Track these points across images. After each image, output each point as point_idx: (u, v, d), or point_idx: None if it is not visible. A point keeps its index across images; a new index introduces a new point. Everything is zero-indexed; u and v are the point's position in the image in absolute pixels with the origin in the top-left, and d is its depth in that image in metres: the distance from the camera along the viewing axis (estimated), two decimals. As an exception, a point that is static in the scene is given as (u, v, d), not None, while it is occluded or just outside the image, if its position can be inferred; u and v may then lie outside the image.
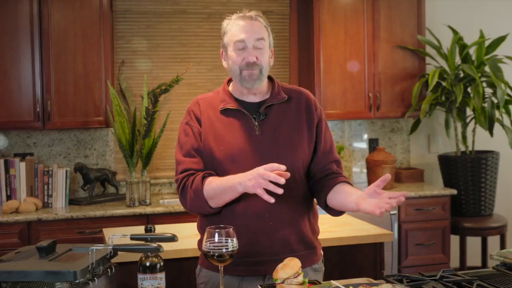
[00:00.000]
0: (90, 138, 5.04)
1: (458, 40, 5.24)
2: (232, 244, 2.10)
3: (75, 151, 5.01)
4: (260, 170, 2.23)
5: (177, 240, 2.14)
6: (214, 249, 2.09)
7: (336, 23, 5.15)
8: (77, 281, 1.89)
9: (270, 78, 2.64)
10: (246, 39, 2.48)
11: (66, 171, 4.73)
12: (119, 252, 2.60)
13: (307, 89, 4.97)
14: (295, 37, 5.47)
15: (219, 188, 2.38)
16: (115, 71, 5.04)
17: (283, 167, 2.23)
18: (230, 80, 2.66)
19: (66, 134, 4.98)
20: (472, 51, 5.40)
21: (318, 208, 2.68)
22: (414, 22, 5.32)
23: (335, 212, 2.57)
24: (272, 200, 2.22)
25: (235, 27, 2.51)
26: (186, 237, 3.37)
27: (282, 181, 2.20)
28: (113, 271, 2.10)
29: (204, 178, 2.43)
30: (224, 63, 2.60)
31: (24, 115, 4.59)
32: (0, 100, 4.54)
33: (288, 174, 2.25)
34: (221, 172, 2.46)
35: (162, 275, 2.09)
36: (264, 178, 2.20)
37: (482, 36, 5.26)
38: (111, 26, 4.92)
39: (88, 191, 4.84)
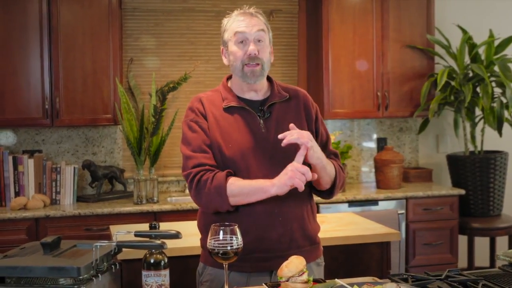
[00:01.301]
0: (98, 135, 5.06)
1: (467, 40, 5.22)
2: (237, 241, 2.10)
3: (83, 148, 5.03)
4: (295, 164, 2.34)
5: (181, 237, 2.14)
6: (219, 247, 2.09)
7: (345, 22, 5.14)
8: (80, 277, 1.90)
9: (268, 77, 2.65)
10: (247, 31, 2.51)
11: (74, 168, 4.75)
12: (125, 250, 2.61)
13: (315, 89, 5.00)
14: (303, 36, 5.46)
15: (246, 188, 2.40)
16: (124, 68, 5.05)
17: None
18: (228, 78, 2.68)
19: (74, 131, 5.00)
20: (481, 50, 5.39)
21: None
22: (423, 21, 5.30)
23: (324, 193, 2.64)
24: (303, 187, 2.35)
25: (235, 22, 2.54)
26: (192, 235, 3.36)
27: (315, 176, 2.40)
28: (117, 267, 2.10)
29: (227, 176, 2.43)
30: (225, 60, 2.63)
31: (32, 112, 4.61)
32: (9, 97, 4.56)
33: (316, 175, 2.41)
34: (231, 169, 2.46)
35: (166, 272, 2.09)
36: (299, 170, 2.32)
37: (491, 35, 5.23)
38: (119, 23, 4.93)
39: (96, 188, 4.85)
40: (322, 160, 2.45)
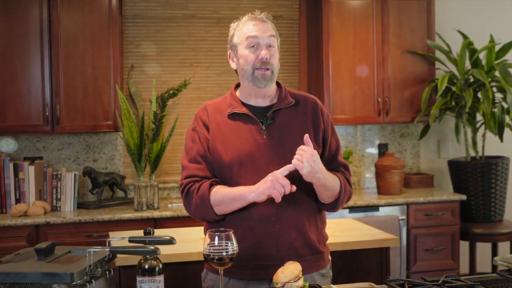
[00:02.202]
0: (99, 142, 5.06)
1: (468, 45, 5.22)
2: (232, 247, 2.10)
3: (84, 155, 5.03)
4: (277, 174, 2.32)
5: (175, 243, 2.14)
6: (214, 253, 2.09)
7: (345, 27, 5.14)
8: (74, 283, 1.90)
9: (277, 83, 2.64)
10: (259, 36, 2.51)
11: (75, 175, 4.75)
12: (123, 256, 2.60)
13: (316, 94, 4.99)
14: (304, 41, 5.46)
15: (227, 196, 2.41)
16: (124, 75, 5.06)
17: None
18: (237, 86, 2.67)
19: (75, 138, 5.00)
20: (482, 56, 5.38)
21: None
22: (424, 26, 5.30)
23: (327, 207, 2.59)
24: (279, 199, 2.33)
25: (246, 26, 2.54)
26: (191, 241, 3.38)
27: (293, 188, 2.33)
28: (111, 273, 2.10)
29: (211, 185, 2.45)
30: (233, 64, 2.61)
31: (33, 119, 4.62)
32: (10, 104, 4.58)
33: (294, 188, 2.35)
34: (228, 176, 2.47)
35: (161, 278, 2.09)
36: (279, 181, 2.30)
37: (492, 40, 5.23)
38: (120, 30, 4.95)
39: (96, 195, 4.86)
40: (319, 179, 2.40)
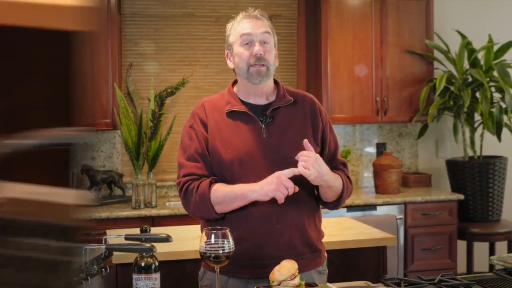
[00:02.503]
0: (97, 140, 5.06)
1: (466, 45, 5.22)
2: (229, 245, 2.10)
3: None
4: (282, 176, 2.31)
5: (171, 241, 2.15)
6: (211, 251, 2.09)
7: (344, 27, 5.15)
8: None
9: (275, 82, 2.64)
10: (253, 33, 2.50)
11: (73, 173, 4.73)
12: (120, 254, 2.60)
13: (314, 94, 4.97)
14: (303, 41, 5.47)
15: (228, 195, 2.40)
16: (123, 73, 5.06)
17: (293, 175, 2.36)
18: (234, 83, 2.66)
19: (73, 136, 5.00)
20: (480, 55, 5.38)
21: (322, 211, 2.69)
22: (422, 26, 5.30)
23: (329, 205, 2.61)
24: (283, 200, 2.33)
25: (241, 25, 2.53)
26: (188, 239, 3.38)
27: (296, 189, 2.33)
28: (108, 271, 2.10)
29: (211, 184, 2.44)
30: (230, 64, 2.60)
31: (31, 117, 4.61)
32: (8, 102, 4.57)
33: (297, 188, 2.34)
34: (228, 175, 2.46)
35: (157, 276, 2.10)
36: (284, 183, 2.29)
37: (490, 40, 5.23)
38: (119, 29, 4.95)
39: (94, 193, 4.85)
40: (326, 181, 2.42)
